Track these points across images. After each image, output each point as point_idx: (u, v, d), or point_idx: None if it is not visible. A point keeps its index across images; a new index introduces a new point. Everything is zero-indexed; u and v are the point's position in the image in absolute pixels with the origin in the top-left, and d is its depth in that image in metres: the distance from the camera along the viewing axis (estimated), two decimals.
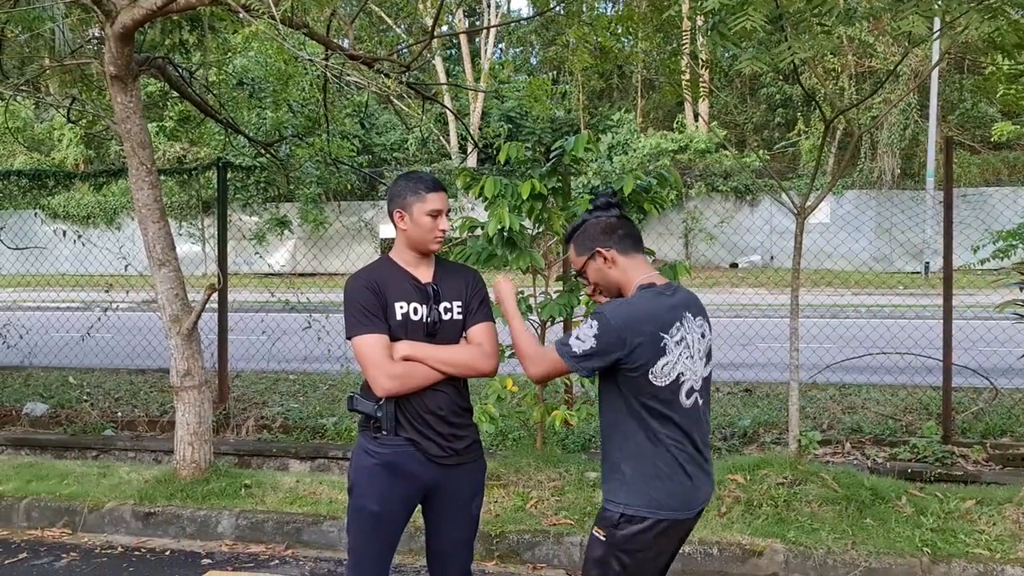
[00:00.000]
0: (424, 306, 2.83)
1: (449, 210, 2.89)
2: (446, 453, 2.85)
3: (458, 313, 2.90)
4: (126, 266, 8.54)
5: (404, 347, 2.76)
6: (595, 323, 2.48)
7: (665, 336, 2.50)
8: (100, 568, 4.58)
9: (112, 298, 9.79)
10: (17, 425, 7.34)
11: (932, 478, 5.45)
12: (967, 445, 5.95)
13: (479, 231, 4.86)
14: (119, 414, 7.42)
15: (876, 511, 4.57)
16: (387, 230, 24.89)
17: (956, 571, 4.15)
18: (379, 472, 2.81)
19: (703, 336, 2.62)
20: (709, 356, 2.66)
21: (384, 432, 2.80)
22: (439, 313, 2.85)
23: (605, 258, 2.64)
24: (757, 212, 23.93)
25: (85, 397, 8.04)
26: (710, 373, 2.67)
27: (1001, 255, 6.13)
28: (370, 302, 2.77)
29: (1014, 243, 6.07)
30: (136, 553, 4.81)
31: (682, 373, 2.53)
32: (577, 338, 2.50)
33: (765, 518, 4.57)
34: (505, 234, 4.65)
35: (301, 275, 20.49)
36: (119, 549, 4.86)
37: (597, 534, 2.58)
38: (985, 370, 7.08)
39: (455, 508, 2.92)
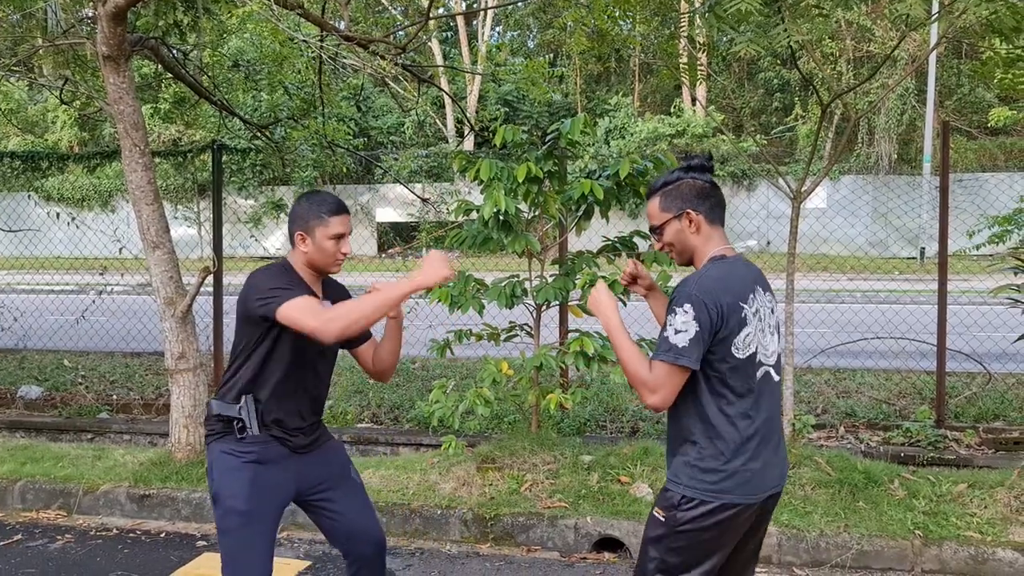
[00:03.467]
0: None
1: (351, 231, 2.84)
2: (308, 442, 2.91)
3: None
4: (120, 249, 8.53)
5: (337, 310, 2.66)
6: (688, 306, 2.36)
7: (744, 306, 2.43)
8: (95, 550, 4.59)
9: (107, 281, 9.77)
10: (12, 408, 7.33)
11: (925, 462, 5.48)
12: (960, 429, 5.97)
13: (475, 214, 4.84)
14: (114, 397, 7.42)
15: (869, 494, 4.59)
16: (384, 214, 24.88)
17: (948, 554, 4.17)
18: (246, 470, 2.78)
19: (772, 311, 2.57)
20: (778, 331, 2.60)
21: (249, 432, 2.77)
22: None
23: (692, 221, 2.52)
24: (754, 197, 23.93)
25: (80, 380, 8.04)
26: (781, 351, 2.59)
27: (996, 240, 6.14)
28: (287, 282, 2.72)
29: (1009, 229, 6.07)
30: (131, 535, 4.82)
31: (758, 347, 2.46)
32: (676, 331, 2.36)
33: None
34: (501, 217, 4.64)
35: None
36: (114, 531, 4.87)
37: (657, 514, 2.51)
38: (979, 355, 7.10)
39: (336, 482, 2.96)
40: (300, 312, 2.59)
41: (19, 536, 4.79)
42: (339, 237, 2.78)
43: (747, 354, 2.43)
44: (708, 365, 2.41)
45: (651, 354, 2.44)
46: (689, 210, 2.52)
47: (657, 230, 2.59)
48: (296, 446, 2.86)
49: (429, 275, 2.61)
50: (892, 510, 4.45)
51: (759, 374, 2.47)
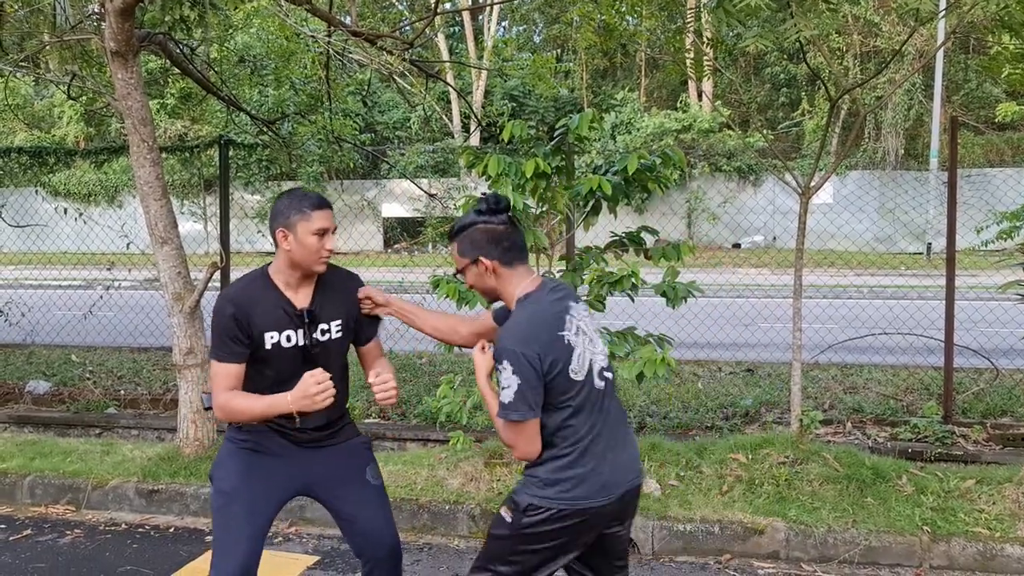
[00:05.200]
0: (297, 332, 2.76)
1: (335, 228, 2.79)
2: (312, 436, 2.86)
3: (337, 332, 2.84)
4: (128, 244, 8.53)
5: (230, 398, 2.70)
6: (505, 362, 2.41)
7: (565, 334, 2.49)
8: (104, 545, 4.61)
9: (114, 276, 9.79)
10: (20, 403, 7.36)
11: (932, 458, 5.47)
12: (968, 425, 5.96)
13: None
14: (122, 392, 7.44)
15: (877, 490, 4.59)
16: (390, 209, 24.88)
17: (956, 550, 4.17)
18: (239, 453, 2.82)
19: (589, 315, 2.65)
20: (597, 331, 2.69)
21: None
22: (315, 338, 2.78)
23: (487, 267, 2.57)
24: (760, 192, 23.87)
25: (88, 375, 8.07)
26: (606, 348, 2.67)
27: (1004, 236, 6.11)
28: (230, 331, 2.69)
29: (1017, 224, 6.04)
30: (140, 530, 4.84)
31: (591, 359, 2.54)
32: (503, 388, 2.42)
33: (766, 497, 4.59)
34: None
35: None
36: (123, 526, 4.89)
37: (504, 514, 2.58)
38: (986, 351, 7.09)
39: (347, 482, 2.90)
40: (213, 379, 2.72)
41: (28, 531, 4.81)
42: (322, 232, 2.72)
43: (585, 371, 2.51)
44: (558, 394, 2.46)
45: None
46: (481, 257, 2.57)
47: (460, 273, 2.67)
48: (300, 440, 2.84)
49: (299, 402, 2.58)
50: (900, 506, 4.45)
51: (601, 383, 2.56)
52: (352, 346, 2.99)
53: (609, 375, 2.61)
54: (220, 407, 2.69)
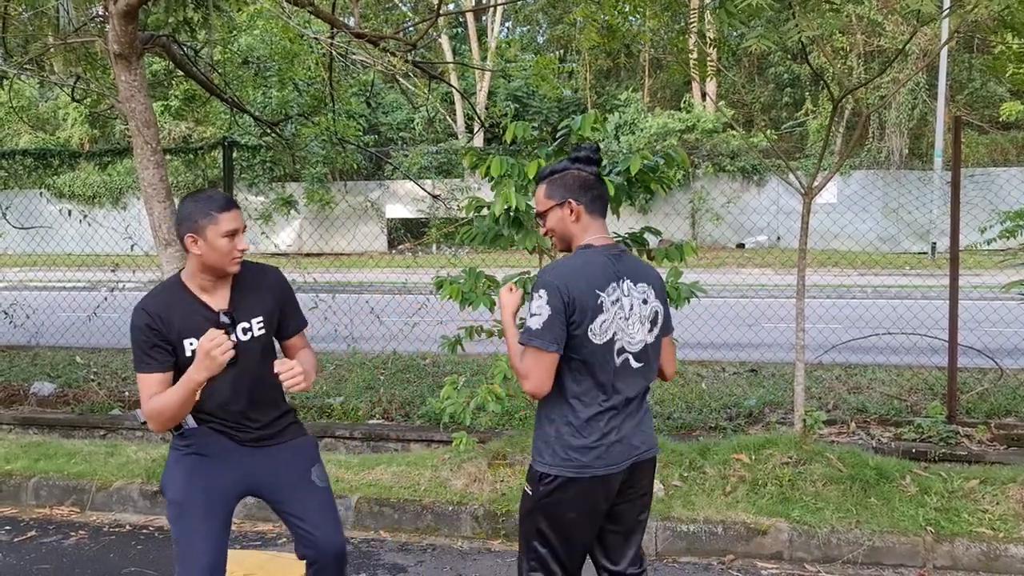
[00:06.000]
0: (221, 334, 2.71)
1: (245, 228, 2.75)
2: (259, 436, 2.85)
3: (259, 329, 2.83)
4: (132, 246, 8.56)
5: (152, 402, 2.67)
6: (542, 291, 2.51)
7: (601, 294, 2.55)
8: (108, 546, 4.62)
9: (118, 278, 9.80)
10: (25, 404, 7.37)
11: (936, 458, 5.46)
12: (972, 425, 5.94)
13: (485, 211, 4.85)
14: (126, 393, 7.46)
15: (880, 490, 4.58)
16: (394, 210, 24.90)
17: (960, 550, 4.16)
18: (184, 460, 2.81)
19: (645, 302, 2.66)
20: (655, 323, 2.69)
21: (185, 426, 2.80)
22: (236, 338, 2.75)
23: (573, 211, 2.65)
24: (764, 192, 23.83)
25: (92, 376, 8.08)
26: (657, 340, 2.71)
27: (1008, 236, 6.10)
28: (148, 341, 2.68)
29: (1021, 223, 6.03)
30: (144, 531, 4.85)
31: (616, 333, 2.58)
32: (532, 315, 2.52)
33: (770, 497, 4.59)
34: (512, 214, 4.64)
35: (307, 255, 20.52)
36: (127, 527, 4.91)
37: (527, 489, 2.66)
38: (991, 350, 7.07)
39: (292, 484, 2.88)
40: (141, 392, 2.70)
41: (33, 532, 4.82)
42: (232, 233, 2.69)
43: (604, 340, 2.56)
44: (572, 351, 2.53)
45: None
46: (571, 199, 2.65)
47: (541, 216, 2.72)
48: (243, 440, 2.84)
49: (201, 367, 2.55)
50: (904, 506, 4.44)
51: (619, 360, 2.60)
52: (277, 340, 2.98)
53: (632, 361, 2.62)
54: (147, 414, 2.67)
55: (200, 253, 2.70)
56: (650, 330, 2.67)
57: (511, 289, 2.80)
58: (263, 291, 2.88)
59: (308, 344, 3.06)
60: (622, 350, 2.60)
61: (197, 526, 2.74)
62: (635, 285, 2.64)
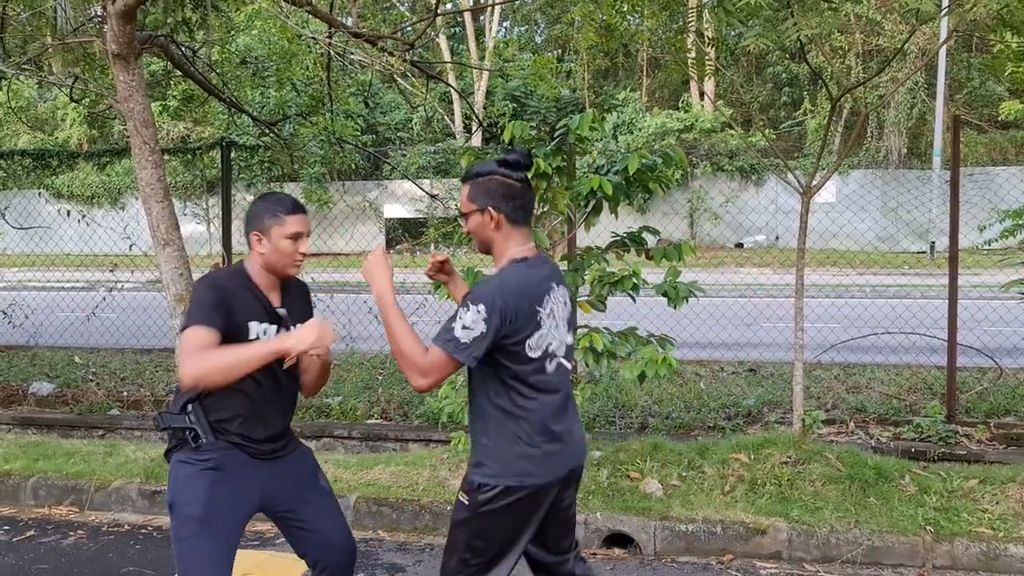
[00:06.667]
0: (275, 329, 2.76)
1: (310, 233, 2.78)
2: (273, 449, 2.83)
3: None
4: (130, 246, 8.55)
5: (206, 357, 2.50)
6: (482, 306, 2.44)
7: (540, 310, 2.56)
8: (107, 546, 4.62)
9: (117, 278, 9.79)
10: (24, 404, 7.37)
11: (936, 457, 5.46)
12: (971, 425, 5.95)
13: None
14: (124, 393, 7.45)
15: (880, 490, 4.58)
16: (392, 210, 24.89)
17: (959, 550, 4.16)
18: (203, 476, 2.69)
19: (565, 304, 2.70)
20: (571, 324, 2.74)
21: (204, 439, 2.69)
22: None
23: (493, 219, 2.59)
24: (762, 192, 23.84)
25: (91, 376, 8.08)
26: (573, 340, 2.74)
27: (1007, 235, 6.10)
28: (217, 302, 2.63)
29: (1020, 223, 6.03)
30: (143, 531, 4.84)
31: (551, 343, 2.60)
32: (464, 327, 2.44)
33: (769, 497, 4.59)
34: None
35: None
36: (126, 527, 4.90)
37: (461, 498, 2.63)
38: (990, 350, 7.08)
39: (306, 492, 2.89)
40: (184, 346, 2.53)
41: (32, 532, 4.82)
42: (296, 236, 2.72)
43: (540, 352, 2.56)
44: (502, 364, 2.53)
45: (431, 338, 2.51)
46: (491, 207, 2.59)
47: (463, 216, 2.67)
48: (259, 453, 2.78)
49: (301, 340, 2.51)
50: (903, 506, 4.44)
51: (551, 367, 2.61)
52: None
53: (566, 363, 2.68)
54: (197, 365, 2.46)
55: (263, 252, 2.74)
56: (568, 330, 2.72)
57: (385, 254, 2.68)
58: (304, 301, 2.95)
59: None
60: (554, 355, 2.62)
61: (217, 550, 2.67)
62: (558, 289, 2.66)
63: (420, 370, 2.47)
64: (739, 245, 23.62)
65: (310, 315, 2.93)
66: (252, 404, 2.74)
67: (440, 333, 2.48)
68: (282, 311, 2.80)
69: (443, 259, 2.88)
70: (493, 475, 2.55)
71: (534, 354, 2.54)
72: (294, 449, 2.94)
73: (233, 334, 2.63)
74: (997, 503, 4.43)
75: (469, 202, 2.62)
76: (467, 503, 2.59)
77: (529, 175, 2.67)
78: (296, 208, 2.75)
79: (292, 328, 2.72)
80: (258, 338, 2.68)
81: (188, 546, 2.67)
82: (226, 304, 2.65)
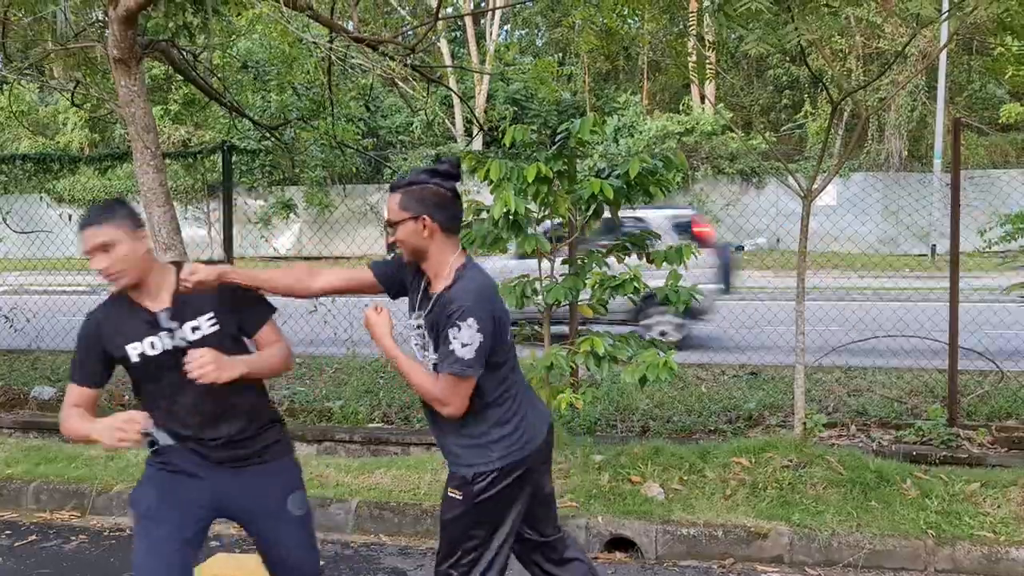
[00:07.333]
0: (160, 336, 2.60)
1: (109, 244, 2.50)
2: (227, 455, 2.69)
3: (211, 326, 2.63)
4: None
5: (66, 417, 2.63)
6: (471, 320, 2.51)
7: (502, 300, 2.75)
8: (109, 550, 4.62)
9: None
10: (25, 408, 7.37)
11: (937, 461, 5.45)
12: (972, 428, 5.94)
13: (484, 214, 4.85)
14: (126, 397, 7.45)
15: (881, 493, 4.58)
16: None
17: (961, 553, 4.16)
18: (155, 476, 2.72)
19: None
20: None
21: (160, 443, 2.68)
22: (183, 338, 2.60)
23: (427, 227, 2.61)
24: (763, 195, 23.83)
25: None
26: None
27: (1008, 238, 6.10)
28: (81, 350, 2.66)
29: (1021, 226, 6.04)
30: None
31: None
32: (463, 345, 2.51)
33: (770, 500, 4.59)
34: (511, 217, 4.64)
35: (307, 258, 20.51)
36: (128, 532, 4.89)
37: (454, 495, 2.68)
38: (991, 353, 7.06)
39: (265, 514, 2.75)
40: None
41: (33, 536, 4.82)
42: (91, 253, 2.51)
43: (510, 341, 2.74)
44: (496, 357, 2.63)
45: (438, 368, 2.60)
46: (426, 215, 2.61)
47: (393, 225, 2.68)
48: (215, 459, 2.68)
49: (104, 436, 2.43)
50: (904, 509, 4.44)
51: (511, 351, 2.76)
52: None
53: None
54: (62, 424, 2.62)
55: None
56: None
57: (377, 309, 2.71)
58: (214, 291, 2.66)
59: (280, 338, 2.79)
60: (511, 340, 2.78)
61: (152, 547, 2.63)
62: None
63: (439, 400, 2.58)
64: (740, 248, 23.60)
65: (223, 298, 2.67)
66: (167, 414, 2.66)
67: (443, 359, 2.55)
68: (163, 315, 2.61)
69: (200, 276, 2.62)
70: (485, 462, 2.64)
71: (509, 338, 2.71)
72: (270, 460, 2.77)
73: (119, 361, 2.65)
74: (999, 507, 4.43)
75: (401, 210, 2.62)
76: (460, 497, 2.66)
77: (530, 180, 2.76)
78: (85, 223, 2.53)
79: (185, 325, 2.61)
80: (141, 357, 2.60)
81: (137, 541, 2.69)
82: (94, 346, 2.64)
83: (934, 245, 20.27)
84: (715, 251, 10.06)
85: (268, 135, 8.06)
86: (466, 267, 2.64)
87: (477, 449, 2.65)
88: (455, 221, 2.68)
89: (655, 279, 4.91)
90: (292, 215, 24.14)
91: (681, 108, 26.95)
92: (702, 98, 26.33)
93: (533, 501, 2.81)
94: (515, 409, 2.70)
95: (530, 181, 4.54)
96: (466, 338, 2.50)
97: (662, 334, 9.80)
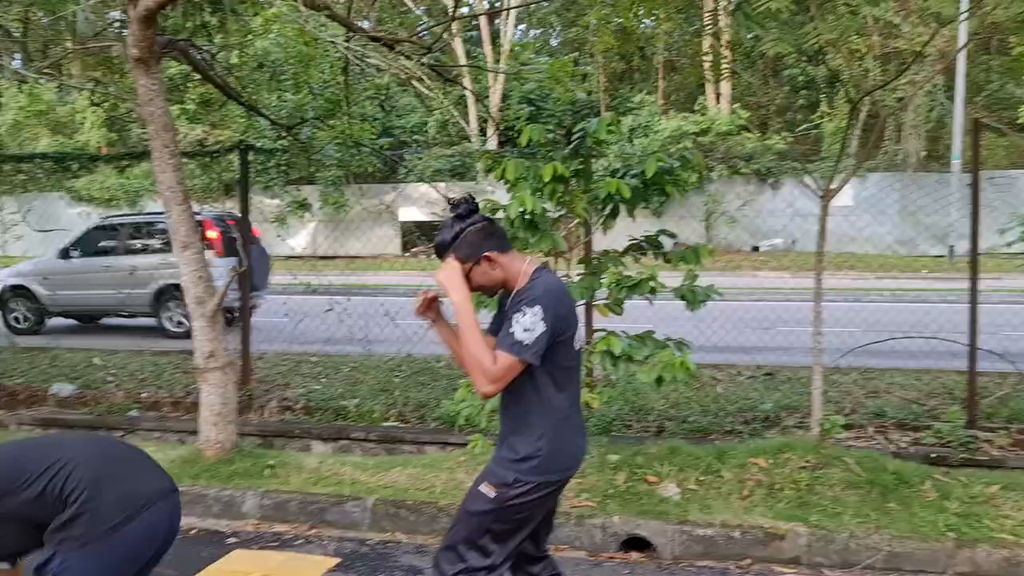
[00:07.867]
0: None
1: None
2: None
3: None
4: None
5: None
6: (538, 307, 2.60)
7: (573, 310, 2.80)
8: None
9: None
10: (44, 405, 7.43)
11: (956, 463, 5.40)
12: (992, 430, 5.88)
13: (500, 214, 4.85)
14: (144, 395, 7.50)
15: (899, 495, 4.55)
16: (408, 213, 24.96)
17: (981, 556, 4.12)
18: None
19: None
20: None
21: None
22: None
23: (492, 260, 2.74)
24: (779, 195, 23.71)
25: (110, 378, 8.13)
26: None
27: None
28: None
29: None
30: None
31: (577, 342, 2.81)
32: (525, 329, 2.59)
33: (787, 502, 4.56)
34: (527, 217, 4.64)
35: (322, 258, 20.57)
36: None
37: (486, 491, 2.73)
38: (1011, 355, 7.00)
39: None
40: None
41: None
42: None
43: (578, 346, 2.80)
44: (552, 362, 2.68)
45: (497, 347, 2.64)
46: (484, 254, 2.74)
47: (468, 279, 2.76)
48: None
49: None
50: (923, 511, 4.40)
51: (575, 366, 2.83)
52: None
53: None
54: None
55: None
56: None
57: (461, 271, 2.75)
58: None
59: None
60: (579, 354, 2.83)
61: None
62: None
63: (490, 377, 2.61)
64: (756, 249, 23.50)
65: None
66: None
67: (503, 340, 2.62)
68: None
69: (432, 296, 2.90)
70: (527, 471, 2.69)
71: (577, 346, 2.75)
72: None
73: None
74: (1019, 509, 4.39)
75: (464, 263, 2.74)
76: (493, 496, 2.71)
77: (546, 180, 2.81)
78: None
79: None
80: None
81: None
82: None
83: (952, 246, 20.10)
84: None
85: (284, 135, 8.08)
86: (540, 270, 2.77)
87: (513, 457, 2.73)
88: (504, 238, 2.80)
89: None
90: (308, 214, 24.23)
91: (696, 108, 26.87)
92: (718, 98, 26.26)
93: (544, 518, 2.89)
94: (561, 430, 2.75)
95: (546, 180, 4.54)
96: (528, 323, 2.58)
97: (179, 324, 10.67)
